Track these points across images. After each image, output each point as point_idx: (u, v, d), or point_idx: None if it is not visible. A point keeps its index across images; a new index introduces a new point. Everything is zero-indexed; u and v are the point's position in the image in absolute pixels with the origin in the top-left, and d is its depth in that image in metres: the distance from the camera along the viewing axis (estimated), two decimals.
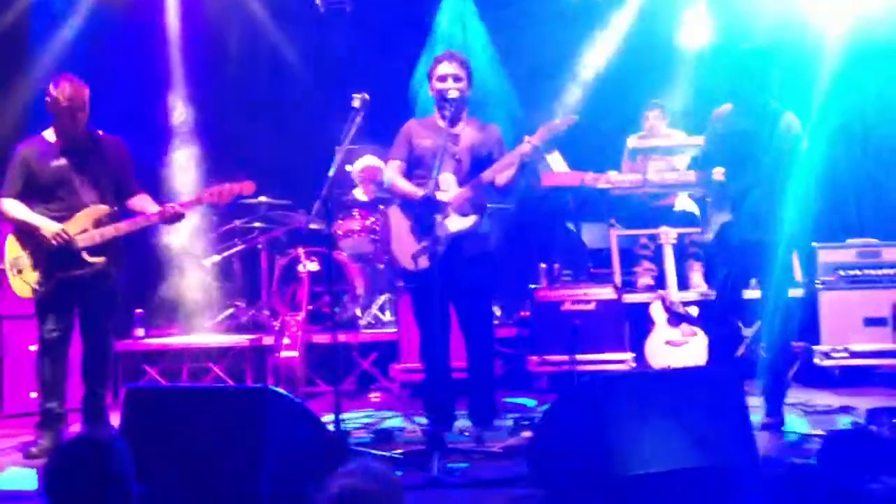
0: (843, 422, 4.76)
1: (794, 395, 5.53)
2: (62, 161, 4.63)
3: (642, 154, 6.94)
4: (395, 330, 6.53)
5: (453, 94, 4.55)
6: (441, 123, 4.58)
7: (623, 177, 6.75)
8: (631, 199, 7.06)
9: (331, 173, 4.30)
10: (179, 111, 7.81)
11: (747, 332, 6.22)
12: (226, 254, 7.34)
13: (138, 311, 6.80)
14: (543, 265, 6.86)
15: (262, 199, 7.17)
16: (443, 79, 4.62)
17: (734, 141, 4.84)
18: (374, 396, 6.39)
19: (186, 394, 3.74)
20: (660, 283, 6.61)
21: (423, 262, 4.28)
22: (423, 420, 4.85)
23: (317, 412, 3.72)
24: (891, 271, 6.09)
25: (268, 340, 6.61)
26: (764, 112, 4.80)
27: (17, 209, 4.64)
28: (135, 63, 7.69)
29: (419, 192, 4.46)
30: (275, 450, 3.24)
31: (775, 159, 4.72)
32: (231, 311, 7.42)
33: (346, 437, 4.19)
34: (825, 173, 7.08)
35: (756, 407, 4.69)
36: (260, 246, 7.39)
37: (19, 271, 4.66)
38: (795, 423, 4.77)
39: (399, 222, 4.64)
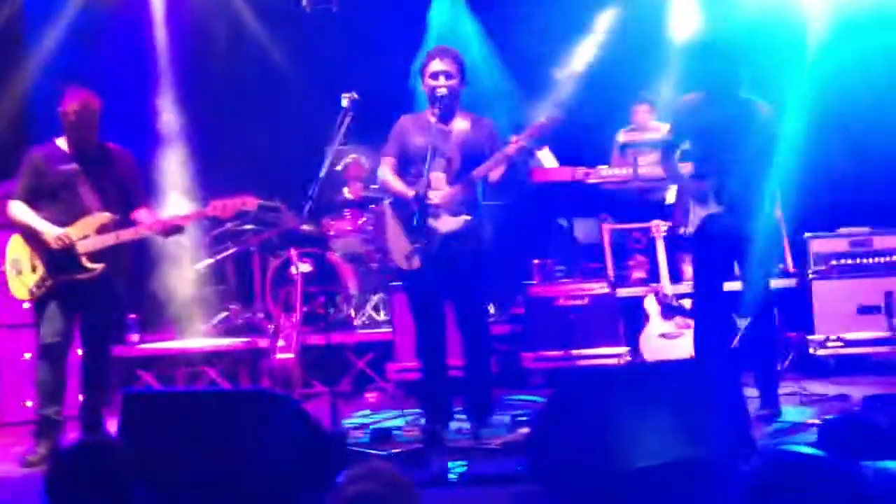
0: (839, 410, 4.77)
1: (790, 385, 5.56)
2: (70, 166, 4.70)
3: (632, 148, 6.96)
4: (390, 329, 6.52)
5: (442, 91, 4.55)
6: (432, 120, 4.56)
7: (613, 171, 6.76)
8: (622, 193, 7.09)
9: (322, 174, 4.29)
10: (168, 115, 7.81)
11: (742, 323, 6.24)
12: (218, 257, 7.32)
13: (132, 315, 6.78)
14: (536, 261, 6.86)
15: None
16: (434, 76, 4.61)
17: (709, 133, 4.79)
18: (371, 396, 6.38)
19: (184, 397, 3.74)
20: (653, 276, 6.62)
21: (417, 262, 4.27)
22: (416, 411, 4.85)
23: (313, 413, 3.71)
24: (883, 259, 6.12)
25: (262, 343, 6.59)
26: (737, 103, 4.77)
27: (23, 212, 4.69)
28: (121, 66, 7.67)
29: (410, 192, 4.46)
30: (273, 452, 3.24)
31: (752, 150, 4.69)
32: (225, 314, 7.40)
33: (344, 437, 4.18)
34: (815, 162, 7.14)
35: (752, 398, 4.72)
36: (252, 248, 7.37)
37: (19, 272, 4.71)
38: (791, 413, 4.78)
39: (392, 222, 4.63)
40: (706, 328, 4.94)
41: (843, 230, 6.32)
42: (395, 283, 5.83)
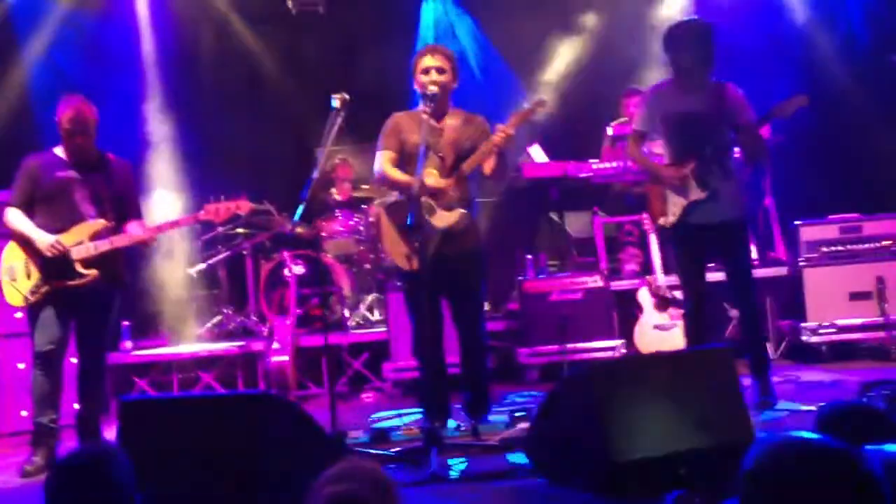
0: (835, 396, 4.79)
1: (784, 373, 5.59)
2: (67, 173, 4.72)
3: (623, 141, 6.96)
4: (385, 329, 6.52)
5: (433, 87, 4.54)
6: (425, 117, 4.56)
7: (604, 165, 6.77)
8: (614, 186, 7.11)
9: (315, 175, 4.28)
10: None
11: (734, 312, 6.26)
12: (210, 261, 7.31)
13: (125, 322, 6.76)
14: (529, 256, 6.88)
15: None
16: (426, 71, 4.61)
17: (683, 119, 4.75)
18: (367, 397, 6.39)
19: (183, 403, 3.73)
20: (646, 268, 6.64)
21: (417, 262, 4.27)
22: (414, 410, 4.85)
23: (313, 416, 3.71)
24: (873, 245, 6.15)
25: (257, 346, 6.59)
26: (708, 86, 4.73)
27: (18, 220, 4.70)
28: (108, 72, 7.66)
29: (414, 181, 4.38)
30: (274, 455, 3.24)
31: (727, 136, 4.66)
32: (218, 318, 7.39)
33: (343, 438, 4.18)
34: (804, 149, 7.19)
35: (746, 387, 4.73)
36: (244, 252, 7.36)
37: (13, 279, 4.71)
38: (789, 401, 4.80)
39: (388, 224, 4.63)
40: (693, 320, 4.92)
41: (832, 217, 6.34)
42: (397, 284, 5.80)
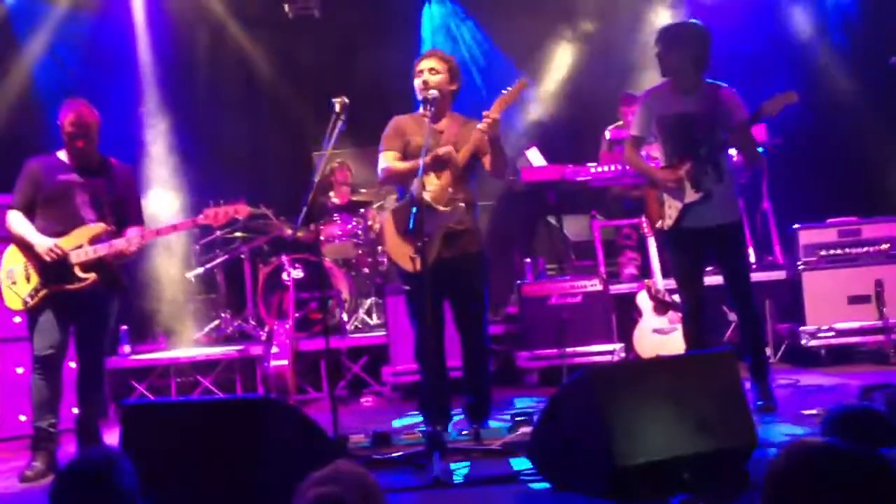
0: (836, 400, 4.79)
1: (784, 377, 5.59)
2: (68, 177, 4.72)
3: (621, 145, 6.96)
4: (384, 333, 6.52)
5: (430, 91, 4.55)
6: (424, 120, 4.57)
7: (602, 168, 6.78)
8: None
9: (316, 178, 4.28)
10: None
11: (733, 316, 6.26)
12: (208, 265, 7.30)
13: (123, 326, 6.75)
14: (528, 260, 6.88)
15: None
16: (421, 74, 4.63)
17: (676, 123, 4.75)
18: (367, 401, 6.38)
19: (185, 407, 3.72)
20: (644, 271, 6.65)
21: (419, 263, 4.26)
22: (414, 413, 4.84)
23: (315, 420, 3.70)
24: (872, 248, 6.15)
25: (255, 350, 6.58)
26: (702, 89, 4.73)
27: (19, 223, 4.70)
28: (105, 76, 7.67)
29: (418, 161, 4.39)
30: (276, 459, 3.22)
31: (721, 137, 4.64)
32: (217, 322, 7.38)
33: (345, 442, 4.17)
34: (802, 152, 7.21)
35: (747, 390, 4.72)
36: (243, 255, 7.35)
37: (13, 282, 4.71)
38: (789, 404, 4.80)
39: (391, 228, 4.64)
40: (691, 324, 4.92)
41: (831, 220, 6.35)
42: (399, 287, 5.78)
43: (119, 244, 4.69)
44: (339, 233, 7.27)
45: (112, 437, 4.77)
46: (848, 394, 4.84)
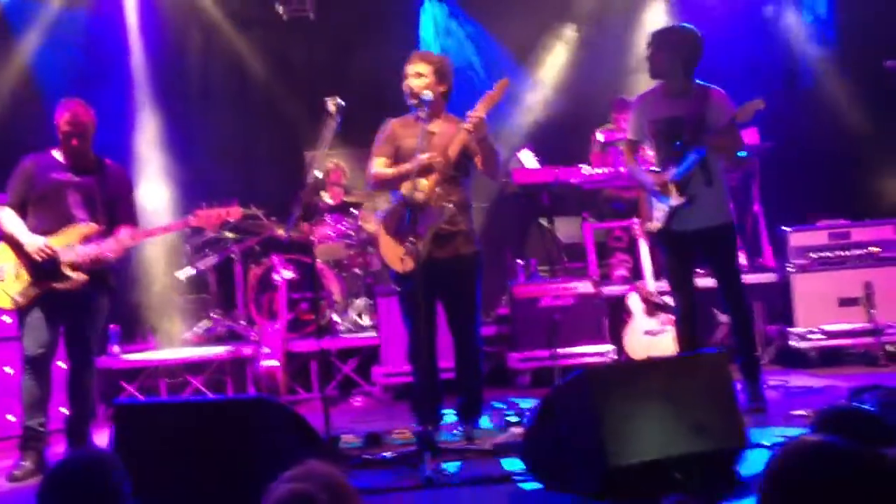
0: (827, 402, 4.82)
1: (774, 378, 5.61)
2: (61, 176, 4.72)
3: (613, 147, 6.99)
4: (375, 334, 6.52)
5: (424, 92, 4.55)
6: (417, 123, 4.57)
7: (594, 170, 6.79)
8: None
9: (310, 179, 4.28)
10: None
11: (724, 318, 6.29)
12: (199, 265, 7.27)
13: (113, 326, 6.72)
14: (520, 261, 6.89)
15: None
16: (406, 78, 4.64)
17: (665, 126, 4.76)
18: (357, 401, 6.37)
19: (178, 407, 3.71)
20: (636, 273, 6.66)
21: (410, 263, 4.27)
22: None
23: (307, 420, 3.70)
24: (861, 251, 6.18)
25: (246, 351, 6.55)
26: (692, 92, 4.74)
27: (10, 221, 4.69)
28: (97, 77, 7.64)
29: (407, 166, 4.43)
30: (269, 459, 3.22)
31: (710, 139, 4.63)
32: (207, 322, 7.36)
33: (337, 442, 4.17)
34: (792, 155, 7.24)
35: (739, 392, 4.74)
36: (234, 256, 7.33)
37: (2, 280, 4.69)
38: (779, 406, 4.82)
39: (383, 230, 4.64)
40: (683, 326, 4.93)
41: (821, 223, 6.38)
42: (391, 288, 5.79)
43: (109, 245, 4.67)
44: (331, 233, 7.26)
45: (101, 438, 4.75)
46: (837, 395, 4.85)
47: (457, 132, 4.58)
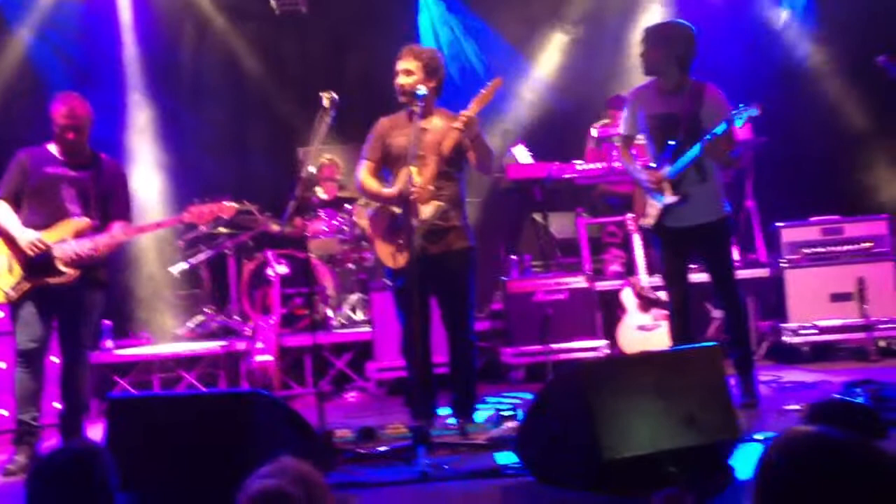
0: (819, 396, 4.84)
1: (767, 373, 5.63)
2: (56, 170, 4.70)
3: (607, 142, 7.00)
4: (369, 329, 6.51)
5: (403, 95, 4.57)
6: (409, 119, 4.57)
7: (588, 166, 6.79)
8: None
9: (304, 174, 4.27)
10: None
11: (717, 313, 6.31)
12: (192, 260, 7.26)
13: (106, 322, 6.70)
14: (513, 257, 6.89)
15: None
16: (396, 75, 4.64)
17: (660, 122, 4.76)
18: (351, 396, 6.37)
19: (172, 401, 3.71)
20: (629, 269, 6.67)
21: (402, 259, 4.27)
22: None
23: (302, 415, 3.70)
24: (854, 247, 6.21)
25: (240, 346, 6.55)
26: (687, 88, 4.73)
27: (3, 214, 4.67)
28: (90, 71, 7.62)
29: (384, 192, 4.48)
30: (264, 453, 3.21)
31: (704, 139, 4.61)
32: (200, 317, 7.34)
33: (331, 436, 4.17)
34: (785, 151, 7.25)
35: (732, 387, 4.76)
36: (227, 251, 7.32)
37: None
38: (772, 401, 4.84)
39: (374, 228, 4.64)
40: (677, 321, 4.94)
41: (814, 219, 6.39)
42: (385, 283, 5.79)
43: (102, 240, 4.66)
44: (325, 229, 7.25)
45: (95, 433, 4.74)
46: (830, 390, 4.88)
47: (447, 126, 4.58)
